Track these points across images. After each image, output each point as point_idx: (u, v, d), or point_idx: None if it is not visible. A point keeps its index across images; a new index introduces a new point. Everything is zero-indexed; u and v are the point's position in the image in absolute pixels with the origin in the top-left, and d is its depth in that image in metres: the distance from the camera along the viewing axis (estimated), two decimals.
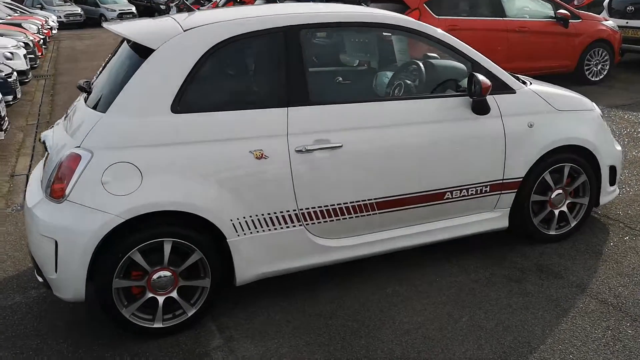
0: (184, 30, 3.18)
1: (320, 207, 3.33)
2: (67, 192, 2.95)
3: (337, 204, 3.36)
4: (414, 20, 3.62)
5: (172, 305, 3.18)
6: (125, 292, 3.09)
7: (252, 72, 3.44)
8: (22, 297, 3.66)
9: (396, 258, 3.81)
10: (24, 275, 3.93)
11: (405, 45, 4.17)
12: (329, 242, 3.44)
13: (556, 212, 3.97)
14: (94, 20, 34.29)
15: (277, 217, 3.26)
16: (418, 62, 3.85)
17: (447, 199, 3.62)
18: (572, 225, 4.05)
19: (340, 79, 4.07)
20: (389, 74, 4.07)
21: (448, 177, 3.58)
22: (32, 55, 13.31)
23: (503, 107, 3.66)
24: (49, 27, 23.89)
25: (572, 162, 3.90)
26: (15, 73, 9.33)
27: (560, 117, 3.83)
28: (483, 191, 3.71)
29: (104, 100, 3.15)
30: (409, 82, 3.82)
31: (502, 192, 3.76)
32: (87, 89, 3.48)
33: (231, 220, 3.15)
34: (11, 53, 11.10)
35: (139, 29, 3.39)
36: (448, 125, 3.53)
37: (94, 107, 3.17)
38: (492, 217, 3.82)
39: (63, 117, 3.67)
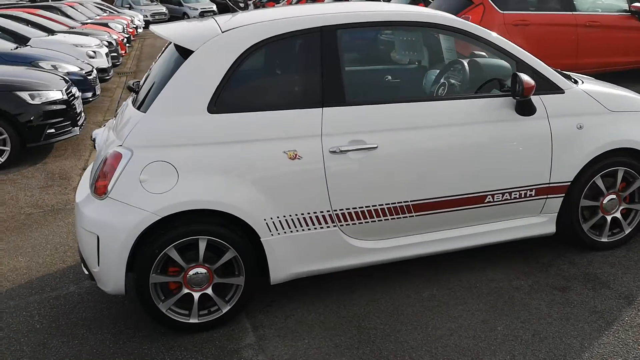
0: (222, 32, 3.24)
1: (355, 208, 3.32)
2: (109, 189, 3.08)
3: (372, 206, 3.34)
4: (455, 17, 3.52)
5: (207, 302, 3.26)
6: (162, 287, 3.20)
7: (288, 73, 3.47)
8: (76, 287, 3.86)
9: (437, 260, 3.75)
10: (81, 266, 4.14)
11: (452, 44, 4.06)
12: (365, 243, 3.42)
13: (608, 218, 3.78)
14: (177, 19, 35.59)
15: (310, 217, 3.27)
16: (463, 61, 3.75)
17: (489, 202, 3.52)
18: (627, 232, 3.83)
19: (389, 77, 4.02)
20: (433, 73, 3.98)
21: (489, 180, 3.48)
22: (115, 54, 13.98)
23: (550, 107, 3.51)
24: (134, 26, 25.02)
25: (627, 165, 3.69)
26: (95, 71, 9.82)
27: (613, 118, 3.63)
28: (528, 195, 3.57)
29: (147, 100, 3.27)
30: (452, 81, 3.74)
31: (549, 196, 3.61)
32: (135, 90, 3.62)
33: (265, 219, 3.19)
34: (94, 52, 11.69)
35: (181, 30, 3.49)
36: (489, 127, 3.43)
37: (139, 107, 3.30)
38: (538, 222, 3.67)
39: (113, 117, 3.83)
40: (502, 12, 7.98)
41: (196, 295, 3.22)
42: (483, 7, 7.98)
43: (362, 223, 3.36)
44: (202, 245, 3.15)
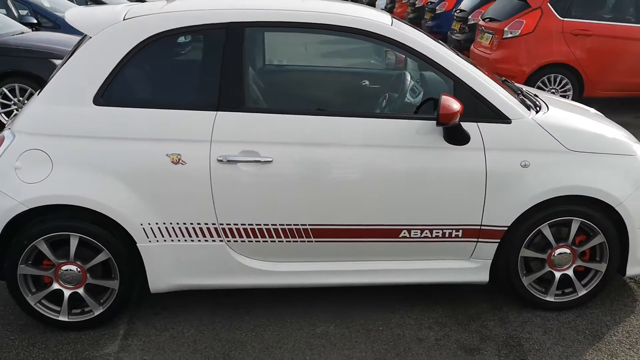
0: (124, 20, 3.02)
1: (244, 225, 3.01)
2: None
3: (265, 225, 3.01)
4: (382, 24, 3.04)
5: (82, 302, 3.10)
6: (35, 280, 3.07)
7: (186, 70, 3.20)
8: None
9: (353, 293, 3.36)
10: None
11: (393, 55, 3.59)
12: (257, 264, 3.11)
13: (557, 274, 3.20)
14: None
15: (194, 228, 3.00)
16: (407, 74, 3.29)
17: (404, 237, 3.07)
18: (580, 294, 3.23)
19: (309, 85, 3.61)
20: (375, 85, 3.54)
21: (404, 213, 3.03)
22: None
23: (489, 138, 2.98)
24: None
25: (584, 217, 3.09)
26: None
27: (570, 159, 3.04)
28: (453, 235, 3.08)
29: (44, 86, 3.13)
30: (393, 96, 3.29)
31: (480, 239, 3.10)
32: None
33: (142, 224, 2.96)
34: None
35: (88, 15, 3.31)
36: (409, 153, 2.97)
37: (39, 93, 3.16)
38: (468, 268, 3.17)
39: None
40: (562, 19, 7.17)
41: (67, 292, 3.07)
42: (540, 12, 7.21)
43: (252, 242, 3.04)
44: (74, 243, 2.98)
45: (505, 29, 7.33)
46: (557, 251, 3.15)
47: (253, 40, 3.04)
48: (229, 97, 2.94)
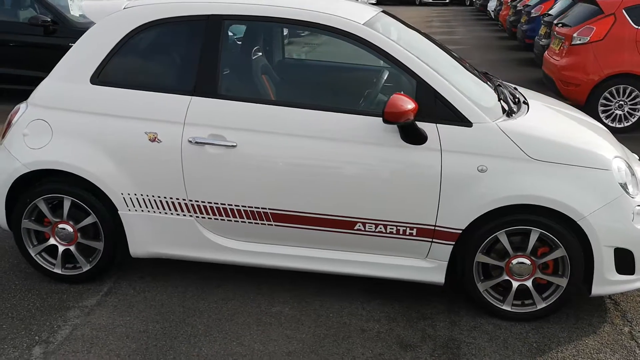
0: (124, 8, 3.36)
1: (211, 203, 3.25)
2: (6, 137, 3.46)
3: (229, 205, 3.24)
4: (352, 22, 3.13)
5: (74, 258, 3.50)
6: (37, 234, 3.51)
7: (169, 56, 3.47)
8: None
9: (321, 280, 3.50)
10: None
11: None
12: (225, 241, 3.35)
13: (515, 284, 3.14)
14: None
15: (167, 202, 3.30)
16: (385, 72, 3.36)
17: (359, 230, 3.17)
18: (539, 307, 3.15)
19: (282, 76, 3.69)
20: (357, 81, 3.62)
21: (359, 206, 3.12)
22: None
23: (446, 140, 3.00)
24: None
25: (543, 228, 3.01)
26: None
27: (530, 167, 2.97)
28: (407, 233, 3.13)
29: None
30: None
31: (435, 240, 3.12)
32: None
33: (122, 194, 3.30)
34: None
35: (98, 5, 3.67)
36: (365, 148, 3.06)
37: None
38: (423, 267, 3.20)
39: None
40: (637, 27, 6.72)
41: (61, 248, 3.48)
42: (614, 18, 6.81)
43: (217, 220, 3.28)
44: (67, 204, 3.38)
45: (575, 35, 6.99)
46: (515, 260, 3.10)
47: (256, 33, 3.22)
48: (203, 84, 3.19)
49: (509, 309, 3.18)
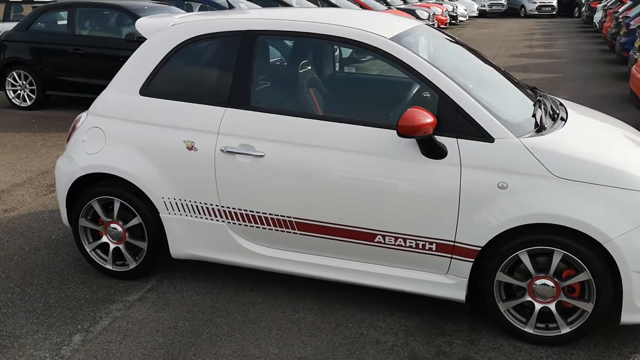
0: (171, 25, 3.63)
1: (241, 209, 3.42)
2: (69, 143, 3.84)
3: (257, 212, 3.39)
4: (377, 37, 3.18)
5: (123, 256, 3.80)
6: (93, 233, 3.85)
7: (208, 70, 3.66)
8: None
9: (348, 290, 3.57)
10: None
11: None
12: (255, 247, 3.50)
13: (538, 306, 3.04)
14: (514, 11, 35.64)
15: (202, 207, 3.51)
16: (412, 83, 3.38)
17: (379, 242, 3.20)
18: (563, 332, 3.02)
19: (315, 90, 3.75)
20: (393, 96, 3.64)
21: (380, 219, 3.16)
22: None
23: (466, 155, 2.98)
24: (447, 15, 25.46)
25: (567, 249, 2.90)
26: None
27: (554, 185, 2.87)
28: (427, 248, 3.13)
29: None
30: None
31: (454, 256, 3.10)
32: None
33: (163, 198, 3.55)
34: None
35: (151, 22, 3.94)
36: (382, 161, 3.10)
37: None
38: (444, 283, 3.18)
39: None
40: None
41: (112, 246, 3.79)
42: None
43: (247, 226, 3.45)
44: (117, 206, 3.69)
45: None
46: (539, 281, 3.00)
47: (265, 47, 3.39)
48: (238, 95, 3.37)
49: (531, 331, 3.08)
